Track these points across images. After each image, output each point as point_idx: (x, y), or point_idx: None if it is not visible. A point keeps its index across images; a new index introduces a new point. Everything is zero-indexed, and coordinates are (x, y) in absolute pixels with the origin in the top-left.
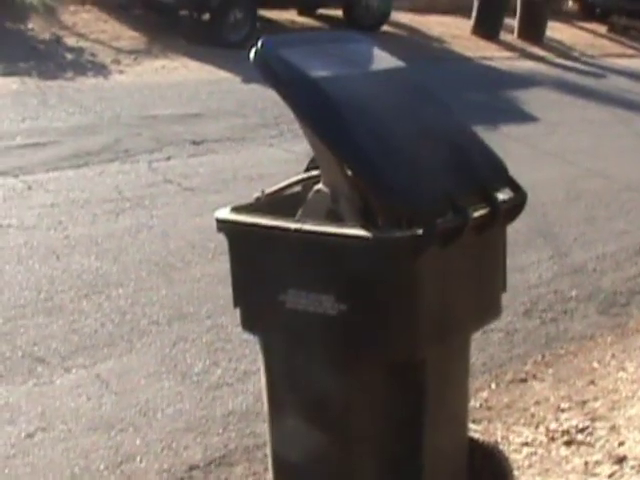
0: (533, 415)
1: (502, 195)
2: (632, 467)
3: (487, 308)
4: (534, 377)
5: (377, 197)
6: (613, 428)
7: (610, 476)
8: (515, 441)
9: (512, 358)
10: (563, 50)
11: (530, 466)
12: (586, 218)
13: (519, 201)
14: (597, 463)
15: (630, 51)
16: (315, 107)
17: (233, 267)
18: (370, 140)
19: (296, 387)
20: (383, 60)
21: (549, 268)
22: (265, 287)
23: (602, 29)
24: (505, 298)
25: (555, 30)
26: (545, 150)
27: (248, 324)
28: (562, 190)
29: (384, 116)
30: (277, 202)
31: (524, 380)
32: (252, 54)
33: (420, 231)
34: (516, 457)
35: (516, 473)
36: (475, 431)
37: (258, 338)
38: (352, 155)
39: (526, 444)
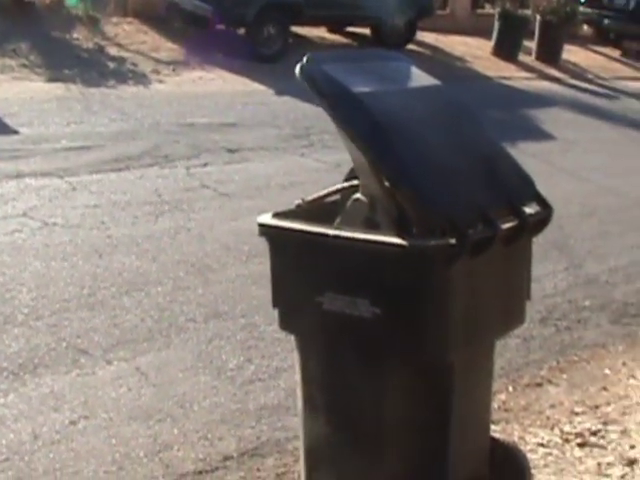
0: (548, 418)
1: (529, 209)
2: None
3: (512, 315)
4: (549, 382)
5: (414, 207)
6: (624, 432)
7: (622, 477)
8: (531, 442)
9: (528, 363)
10: (578, 72)
11: (546, 466)
12: (599, 232)
13: (545, 215)
14: (609, 465)
15: None
16: (358, 121)
17: (273, 269)
18: (409, 153)
19: (329, 386)
20: (419, 77)
21: (564, 279)
22: (303, 289)
23: (615, 53)
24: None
25: (571, 53)
26: (561, 167)
27: (285, 323)
28: (577, 205)
29: (422, 131)
30: (316, 209)
31: (540, 384)
32: (298, 69)
33: (453, 241)
34: (532, 457)
35: (533, 472)
36: (494, 431)
37: (294, 337)
38: (392, 167)
39: (542, 445)
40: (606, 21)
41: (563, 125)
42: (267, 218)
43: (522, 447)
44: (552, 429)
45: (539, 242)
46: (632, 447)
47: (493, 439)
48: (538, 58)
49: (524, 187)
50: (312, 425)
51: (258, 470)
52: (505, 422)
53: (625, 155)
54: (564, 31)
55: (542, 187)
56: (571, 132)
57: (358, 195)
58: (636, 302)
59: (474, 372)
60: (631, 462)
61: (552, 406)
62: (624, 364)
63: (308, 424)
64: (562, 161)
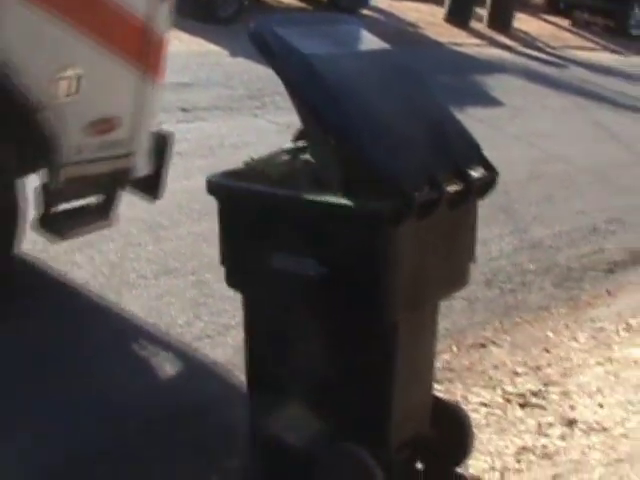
0: (491, 378)
1: (475, 173)
2: (581, 430)
3: (457, 277)
4: (492, 343)
5: (362, 170)
6: (565, 393)
7: (561, 437)
8: (474, 401)
9: (473, 324)
10: (528, 40)
11: (487, 425)
12: (545, 197)
13: (490, 179)
14: (549, 425)
15: (590, 44)
16: (306, 81)
17: (222, 227)
18: (356, 115)
19: (276, 343)
20: (371, 42)
21: (509, 242)
22: (252, 247)
23: (565, 23)
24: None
25: (522, 21)
26: (508, 132)
27: (233, 281)
28: (523, 171)
29: (370, 94)
30: (266, 169)
31: (483, 345)
32: (250, 30)
33: (399, 203)
34: (475, 416)
35: (475, 431)
36: (437, 391)
37: (242, 294)
38: (340, 130)
39: (484, 405)
40: None
41: (512, 92)
42: (217, 177)
43: (464, 406)
44: (494, 389)
45: (486, 206)
46: (572, 408)
47: (436, 398)
48: (490, 26)
49: (470, 151)
50: (255, 379)
51: (204, 427)
52: (448, 382)
53: (572, 122)
54: None
55: (489, 152)
56: (520, 99)
57: (307, 156)
58: (579, 266)
59: (418, 332)
60: (570, 422)
61: (495, 367)
62: (566, 327)
63: (253, 377)
64: (510, 127)
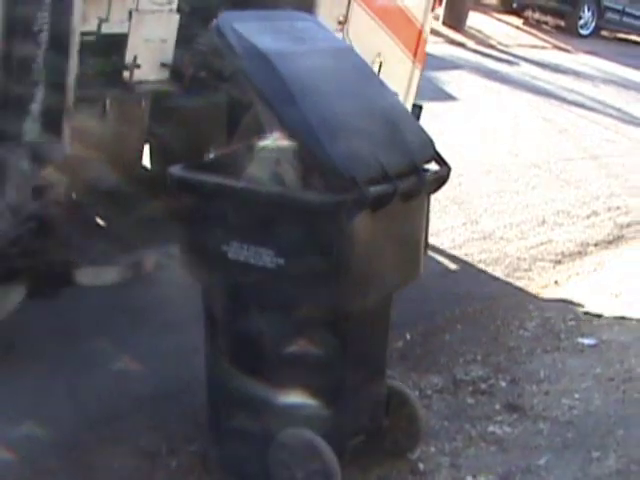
0: (443, 366)
1: (428, 167)
2: (529, 417)
3: (410, 269)
4: (445, 331)
5: (318, 164)
6: (513, 380)
7: (509, 424)
8: (426, 388)
9: (426, 313)
10: (482, 38)
11: (438, 411)
12: (496, 191)
13: (443, 174)
14: (498, 412)
15: (541, 43)
16: (264, 78)
17: (181, 218)
18: (314, 111)
19: (232, 331)
20: (328, 38)
21: (461, 234)
22: (210, 238)
23: (518, 22)
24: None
25: (476, 20)
26: (461, 128)
27: (191, 269)
28: (476, 164)
29: (327, 90)
30: (225, 162)
31: (435, 334)
32: (212, 26)
33: (354, 196)
34: (426, 402)
35: (426, 417)
36: (390, 378)
37: (200, 283)
38: (298, 125)
39: (436, 391)
40: None
41: (466, 88)
42: (177, 169)
43: (417, 393)
44: (446, 377)
45: (439, 198)
46: (519, 396)
47: (389, 386)
48: (445, 23)
49: (424, 146)
50: (215, 365)
51: (165, 412)
52: (401, 369)
53: (523, 118)
54: None
55: (443, 147)
56: (472, 95)
57: (266, 150)
58: (528, 257)
59: (372, 321)
60: (518, 409)
61: (446, 355)
62: (515, 316)
63: (212, 365)
64: (463, 122)
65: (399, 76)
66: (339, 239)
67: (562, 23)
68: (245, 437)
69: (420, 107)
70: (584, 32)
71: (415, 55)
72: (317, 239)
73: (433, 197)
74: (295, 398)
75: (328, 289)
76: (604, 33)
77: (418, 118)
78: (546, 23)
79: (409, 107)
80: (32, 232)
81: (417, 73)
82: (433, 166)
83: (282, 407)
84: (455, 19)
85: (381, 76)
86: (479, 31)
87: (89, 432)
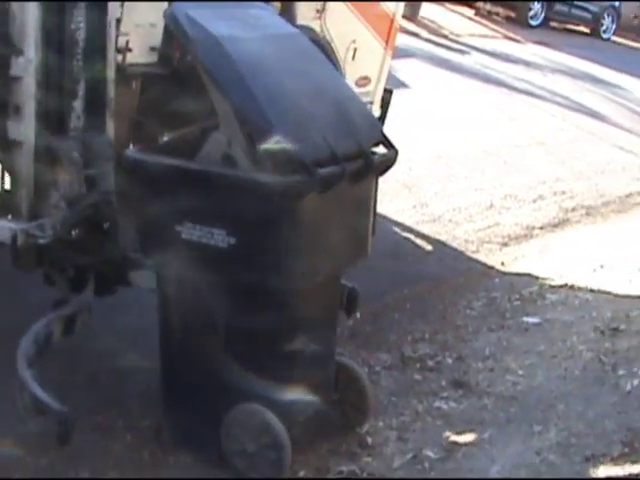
0: (392, 343)
1: (376, 151)
2: (473, 392)
3: (357, 248)
4: (394, 310)
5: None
6: (459, 358)
7: (455, 400)
8: (375, 365)
9: (375, 293)
10: (435, 28)
11: (387, 387)
12: (446, 175)
13: (390, 157)
14: (444, 388)
15: (492, 33)
16: (216, 62)
17: (136, 199)
18: (263, 95)
19: (184, 308)
20: (279, 25)
21: (412, 216)
22: (163, 218)
23: (470, 12)
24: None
25: (429, 10)
26: (412, 114)
27: (145, 249)
28: (427, 150)
29: (278, 75)
30: (179, 145)
31: (385, 313)
32: (166, 12)
33: (302, 178)
34: (375, 378)
35: (374, 392)
36: (341, 355)
37: (154, 262)
38: (248, 109)
39: (385, 368)
40: None
41: (417, 76)
42: (132, 151)
43: (367, 370)
44: (394, 354)
45: (390, 182)
46: (465, 372)
47: (339, 362)
48: None
49: (371, 130)
50: (169, 344)
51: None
52: (351, 347)
53: (473, 106)
54: None
55: (395, 133)
56: (424, 83)
57: (217, 132)
58: (476, 240)
59: (321, 300)
60: (463, 385)
61: (395, 333)
62: (462, 296)
63: (165, 343)
64: (415, 109)
65: (372, 62)
66: (289, 219)
67: (512, 14)
68: (198, 412)
69: (391, 91)
70: (534, 23)
71: (387, 43)
72: (267, 219)
73: (384, 180)
74: (246, 374)
75: (278, 268)
76: (553, 24)
77: (389, 102)
78: (497, 14)
79: (380, 91)
80: (90, 221)
81: (388, 59)
82: (381, 149)
83: (233, 383)
84: (408, 9)
85: (355, 61)
86: (432, 21)
87: None
